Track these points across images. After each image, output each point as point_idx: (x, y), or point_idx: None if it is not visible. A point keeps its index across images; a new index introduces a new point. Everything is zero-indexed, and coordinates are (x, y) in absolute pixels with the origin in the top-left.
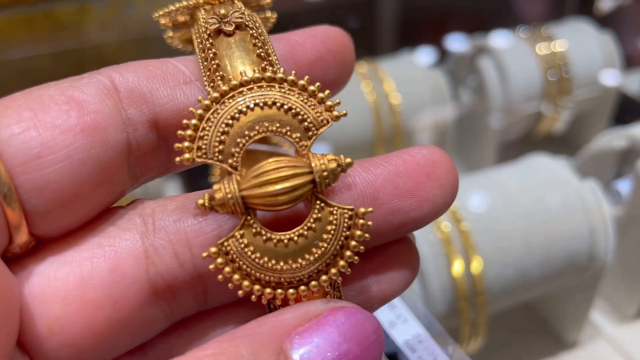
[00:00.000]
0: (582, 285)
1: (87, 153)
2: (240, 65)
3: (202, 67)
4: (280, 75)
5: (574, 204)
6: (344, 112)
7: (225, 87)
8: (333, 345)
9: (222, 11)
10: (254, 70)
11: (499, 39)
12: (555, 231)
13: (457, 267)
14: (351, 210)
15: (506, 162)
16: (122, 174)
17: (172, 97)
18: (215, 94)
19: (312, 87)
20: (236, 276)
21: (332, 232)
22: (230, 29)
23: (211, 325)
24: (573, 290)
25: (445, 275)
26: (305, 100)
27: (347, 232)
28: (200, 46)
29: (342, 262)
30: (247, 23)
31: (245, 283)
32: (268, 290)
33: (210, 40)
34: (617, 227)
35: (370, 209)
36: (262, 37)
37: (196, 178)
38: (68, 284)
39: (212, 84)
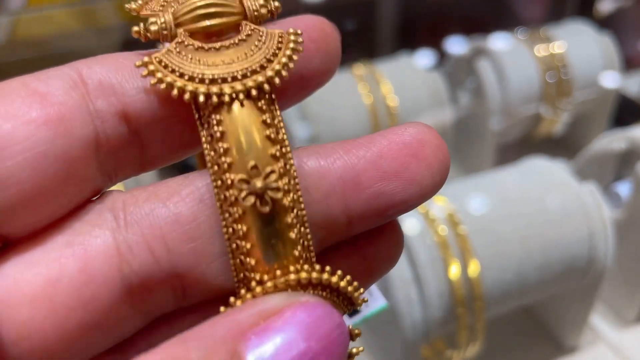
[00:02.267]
0: (581, 289)
1: (50, 145)
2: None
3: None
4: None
5: (573, 207)
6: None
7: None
8: (292, 345)
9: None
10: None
11: (497, 41)
12: (554, 235)
13: (455, 272)
14: (281, 32)
15: (505, 164)
16: (90, 169)
17: (142, 89)
18: None
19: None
20: (168, 78)
21: (264, 40)
22: None
23: (195, 321)
24: (573, 294)
25: (443, 280)
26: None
27: (279, 45)
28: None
29: (277, 66)
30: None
31: (178, 84)
32: (202, 87)
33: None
34: (617, 230)
35: (300, 32)
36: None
37: (175, 175)
38: (35, 286)
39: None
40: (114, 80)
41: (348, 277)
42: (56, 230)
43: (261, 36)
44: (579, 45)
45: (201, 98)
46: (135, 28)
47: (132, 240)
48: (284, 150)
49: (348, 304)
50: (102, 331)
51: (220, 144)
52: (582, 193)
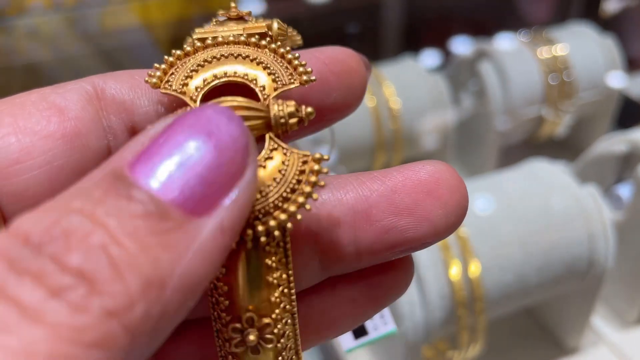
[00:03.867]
0: (582, 291)
1: (67, 159)
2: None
3: None
4: (254, 35)
5: (573, 209)
6: (314, 78)
7: (199, 44)
8: (186, 150)
9: None
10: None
11: (500, 43)
12: (555, 236)
13: (455, 272)
14: (306, 155)
15: (507, 166)
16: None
17: (152, 108)
18: (189, 48)
19: (282, 50)
20: None
21: (283, 172)
22: None
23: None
24: (573, 295)
25: (444, 282)
26: (277, 60)
27: (300, 177)
28: None
29: (292, 208)
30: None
31: None
32: None
33: None
34: (618, 232)
35: (327, 156)
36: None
37: None
38: None
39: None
40: (126, 97)
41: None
42: None
43: (284, 162)
44: (581, 47)
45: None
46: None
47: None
48: (286, 292)
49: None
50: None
51: (221, 284)
52: (582, 195)
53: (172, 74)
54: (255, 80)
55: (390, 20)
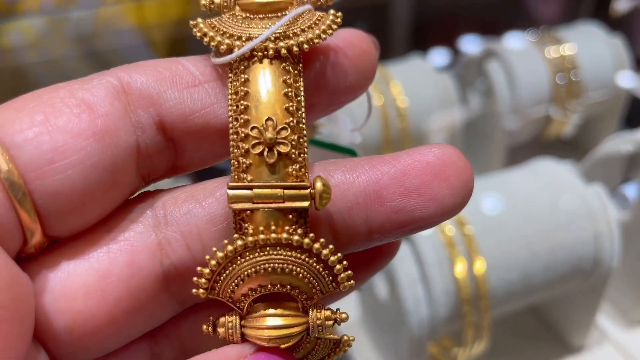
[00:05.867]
0: (587, 290)
1: (99, 157)
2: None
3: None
4: (296, 237)
5: (579, 209)
6: (352, 282)
7: (240, 243)
8: None
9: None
10: (275, 230)
11: (508, 43)
12: (560, 235)
13: (461, 270)
14: (335, 339)
15: (514, 165)
16: (131, 175)
17: (179, 101)
18: (231, 248)
19: (325, 251)
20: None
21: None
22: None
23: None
24: (579, 294)
25: (449, 279)
26: (317, 267)
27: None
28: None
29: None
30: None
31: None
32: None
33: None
34: (625, 232)
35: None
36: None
37: (205, 178)
38: (88, 279)
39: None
40: (153, 91)
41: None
42: (102, 228)
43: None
44: (589, 47)
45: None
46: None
47: (171, 236)
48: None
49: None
50: (144, 318)
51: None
52: (588, 195)
53: (216, 281)
54: (298, 292)
55: (398, 19)
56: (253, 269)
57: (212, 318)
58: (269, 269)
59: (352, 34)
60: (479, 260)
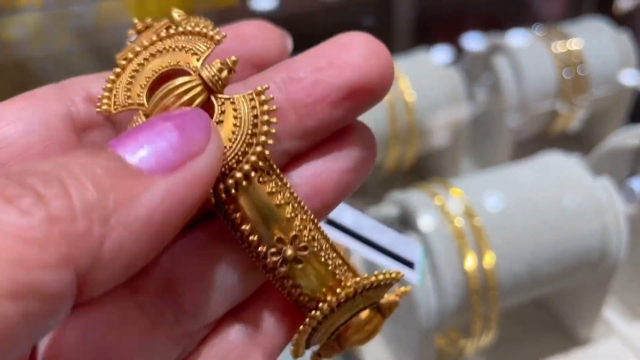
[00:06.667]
0: (594, 283)
1: (32, 115)
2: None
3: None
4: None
5: (587, 202)
6: (224, 34)
7: (124, 62)
8: (156, 131)
9: None
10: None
11: (515, 38)
12: (568, 228)
13: (470, 262)
14: (250, 95)
15: (520, 160)
16: (72, 140)
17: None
18: (118, 69)
19: (189, 28)
20: None
21: (238, 121)
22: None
23: None
24: (585, 287)
25: (458, 270)
26: (191, 37)
27: (255, 120)
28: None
29: (259, 148)
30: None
31: None
32: None
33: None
34: (632, 225)
35: (267, 86)
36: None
37: None
38: None
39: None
40: (83, 82)
41: (384, 272)
42: None
43: (235, 110)
44: (596, 42)
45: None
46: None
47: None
48: (295, 205)
49: (387, 283)
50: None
51: (243, 227)
52: (596, 188)
53: (115, 94)
54: (180, 62)
55: (402, 14)
56: (136, 66)
57: None
58: (147, 58)
59: (253, 26)
60: (488, 252)
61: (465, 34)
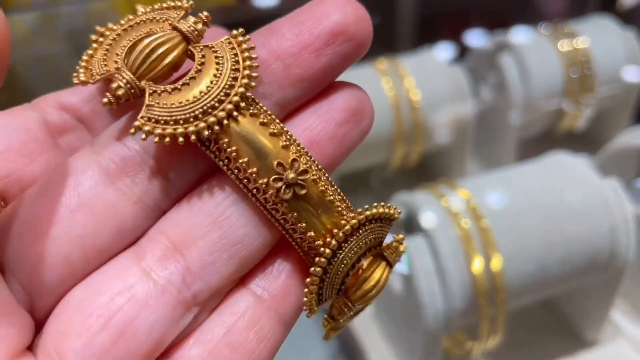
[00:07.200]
0: (602, 284)
1: (10, 121)
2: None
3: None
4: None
5: (595, 202)
6: (191, 2)
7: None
8: None
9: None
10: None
11: (520, 36)
12: (576, 229)
13: (477, 264)
14: (228, 40)
15: (527, 159)
16: (49, 143)
17: (75, 90)
18: (95, 45)
19: (156, 5)
20: (167, 131)
21: (221, 62)
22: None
23: None
24: (593, 288)
25: (465, 272)
26: (162, 10)
27: (236, 66)
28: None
29: (241, 89)
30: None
31: (169, 130)
32: (191, 127)
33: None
34: None
35: (242, 30)
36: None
37: None
38: None
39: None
40: (55, 97)
41: (382, 204)
42: None
43: (215, 52)
44: (602, 40)
45: (192, 138)
46: (105, 100)
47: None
48: (288, 135)
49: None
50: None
51: (240, 161)
52: (604, 188)
53: (92, 67)
54: (155, 29)
55: (407, 12)
56: (111, 39)
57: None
58: (125, 29)
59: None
60: (495, 253)
61: (470, 31)
